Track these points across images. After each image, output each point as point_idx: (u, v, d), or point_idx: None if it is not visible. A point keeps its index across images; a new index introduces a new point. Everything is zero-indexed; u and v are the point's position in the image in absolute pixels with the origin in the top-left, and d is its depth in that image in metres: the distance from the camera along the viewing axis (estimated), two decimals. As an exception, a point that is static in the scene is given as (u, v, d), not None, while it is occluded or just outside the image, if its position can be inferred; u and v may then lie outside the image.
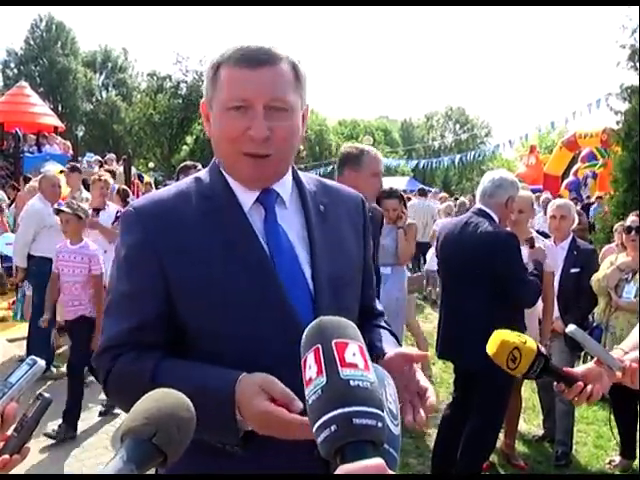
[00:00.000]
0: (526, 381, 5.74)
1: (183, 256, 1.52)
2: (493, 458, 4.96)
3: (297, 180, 1.73)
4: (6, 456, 1.41)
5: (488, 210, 4.25)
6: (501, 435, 5.05)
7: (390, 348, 1.64)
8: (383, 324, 1.86)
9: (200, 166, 7.03)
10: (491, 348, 1.90)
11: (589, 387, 1.94)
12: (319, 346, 0.99)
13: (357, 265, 1.77)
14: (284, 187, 1.67)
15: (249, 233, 1.57)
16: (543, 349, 1.90)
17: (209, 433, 1.38)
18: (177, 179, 7.11)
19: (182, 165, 7.01)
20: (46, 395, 1.49)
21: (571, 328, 2.02)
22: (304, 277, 1.60)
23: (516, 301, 4.13)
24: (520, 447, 5.40)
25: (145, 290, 1.53)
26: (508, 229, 4.36)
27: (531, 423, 6.00)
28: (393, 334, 1.81)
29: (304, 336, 1.05)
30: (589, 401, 1.98)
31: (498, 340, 1.88)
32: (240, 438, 1.40)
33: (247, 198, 1.61)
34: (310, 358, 0.99)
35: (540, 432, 5.66)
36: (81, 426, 5.59)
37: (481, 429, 4.29)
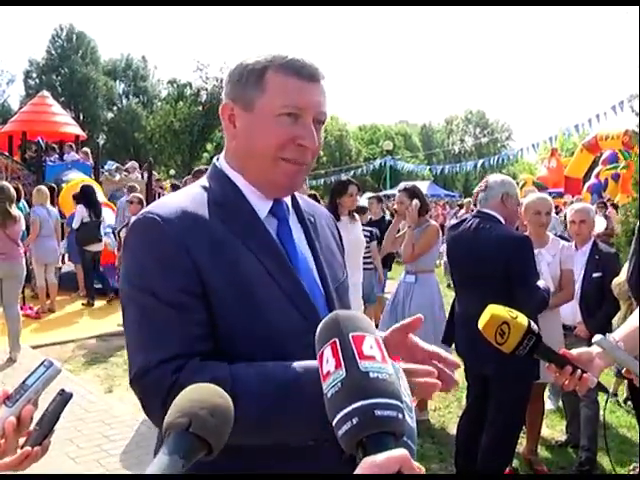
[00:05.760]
0: (549, 386, 5.69)
1: (213, 261, 1.46)
2: (515, 464, 4.91)
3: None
4: (28, 448, 1.45)
5: (490, 211, 4.22)
6: (523, 440, 5.01)
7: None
8: None
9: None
10: (481, 321, 1.89)
11: (578, 372, 1.92)
12: (336, 340, 1.00)
13: (344, 273, 1.81)
14: (288, 198, 1.70)
15: (269, 241, 1.57)
16: (535, 327, 1.86)
17: (303, 430, 1.39)
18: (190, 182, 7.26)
19: (196, 169, 7.15)
20: (67, 390, 1.53)
21: (597, 338, 1.99)
22: (317, 283, 1.64)
23: (519, 305, 4.05)
24: (543, 452, 5.34)
25: (192, 295, 1.44)
26: (526, 233, 4.31)
27: (554, 428, 5.93)
28: None
29: (319, 330, 1.05)
30: (580, 387, 1.94)
31: (488, 314, 1.87)
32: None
33: (262, 208, 1.61)
34: (327, 352, 1.00)
35: (563, 437, 5.58)
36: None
37: (499, 434, 4.25)
